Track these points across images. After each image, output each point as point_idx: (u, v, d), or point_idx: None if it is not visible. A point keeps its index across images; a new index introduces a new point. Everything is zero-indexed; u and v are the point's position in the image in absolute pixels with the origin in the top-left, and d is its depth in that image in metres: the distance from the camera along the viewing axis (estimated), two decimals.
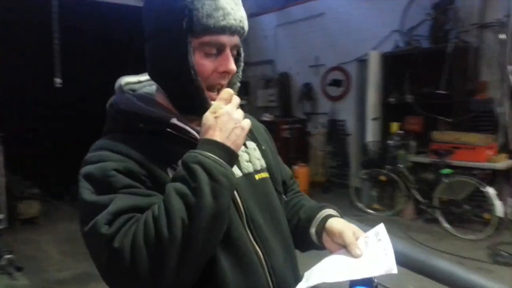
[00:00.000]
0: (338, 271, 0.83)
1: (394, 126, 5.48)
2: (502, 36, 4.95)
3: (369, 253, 0.86)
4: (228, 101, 0.84)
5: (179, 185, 0.77)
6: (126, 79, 1.00)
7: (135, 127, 0.89)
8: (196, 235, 0.74)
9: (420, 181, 5.20)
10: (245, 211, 0.92)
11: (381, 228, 0.91)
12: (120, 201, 0.78)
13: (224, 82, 0.91)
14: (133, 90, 0.99)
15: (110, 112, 0.94)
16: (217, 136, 0.80)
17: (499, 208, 4.26)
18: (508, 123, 4.95)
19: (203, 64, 0.86)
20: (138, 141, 0.88)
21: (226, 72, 0.89)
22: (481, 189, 4.41)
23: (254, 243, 0.92)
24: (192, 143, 0.87)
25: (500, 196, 4.50)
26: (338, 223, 0.96)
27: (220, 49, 0.87)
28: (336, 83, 6.97)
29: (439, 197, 4.83)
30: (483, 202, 4.67)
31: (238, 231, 0.89)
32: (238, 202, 0.91)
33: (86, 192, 0.81)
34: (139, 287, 0.75)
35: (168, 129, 0.89)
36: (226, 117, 0.81)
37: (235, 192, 0.90)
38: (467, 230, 4.62)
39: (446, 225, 4.73)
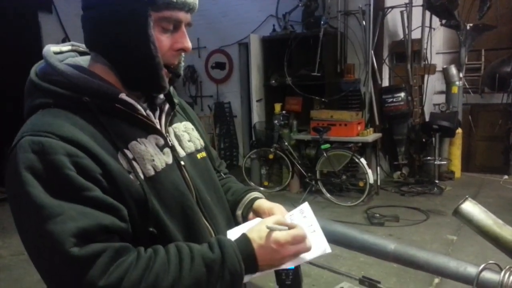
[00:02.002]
0: None
1: (277, 107, 5.78)
2: (364, 23, 5.54)
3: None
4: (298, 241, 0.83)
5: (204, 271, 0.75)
6: (53, 48, 0.87)
7: (77, 102, 0.78)
8: None
9: (303, 157, 5.62)
10: (194, 189, 0.91)
11: (305, 206, 0.95)
12: (82, 217, 0.69)
13: (177, 61, 0.87)
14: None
15: (39, 84, 0.80)
16: (262, 260, 0.81)
17: (370, 176, 4.85)
18: (372, 101, 5.62)
19: (161, 40, 0.81)
20: (84, 120, 0.77)
21: (182, 50, 0.85)
22: (355, 160, 4.95)
23: (205, 221, 0.92)
24: (139, 121, 0.83)
25: (370, 165, 5.12)
26: (266, 203, 1.01)
27: (176, 25, 0.83)
28: (219, 66, 7.04)
29: (320, 170, 5.29)
30: (357, 172, 5.31)
31: (193, 210, 0.88)
32: (188, 181, 0.90)
33: (35, 189, 0.70)
34: None
35: (117, 105, 0.81)
36: (281, 258, 0.82)
37: (185, 171, 0.90)
38: (346, 198, 5.16)
39: (327, 195, 5.21)
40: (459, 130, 5.78)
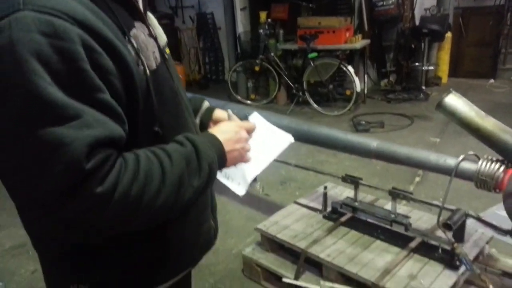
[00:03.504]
0: (255, 163, 0.93)
1: (263, 15, 5.50)
2: None
3: (260, 136, 0.95)
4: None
5: (184, 164, 0.72)
6: None
7: None
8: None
9: (290, 67, 5.50)
10: (176, 86, 0.86)
11: (255, 115, 1.03)
12: (97, 124, 0.61)
13: None
14: None
15: None
16: (225, 146, 0.82)
17: (357, 84, 4.80)
18: (361, 6, 5.36)
19: None
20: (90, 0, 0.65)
21: None
22: (343, 68, 4.86)
23: (187, 116, 0.89)
24: (131, 4, 0.73)
25: (357, 73, 5.05)
26: (223, 111, 1.02)
27: None
28: None
29: (307, 80, 5.22)
30: (344, 81, 5.25)
31: (184, 108, 0.86)
32: (173, 77, 0.84)
33: (43, 80, 0.57)
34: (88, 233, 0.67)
35: None
36: (241, 144, 0.86)
37: (169, 66, 0.84)
38: (332, 107, 5.17)
39: (314, 105, 5.20)
40: (449, 35, 5.64)
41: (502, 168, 1.38)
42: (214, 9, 6.65)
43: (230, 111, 0.94)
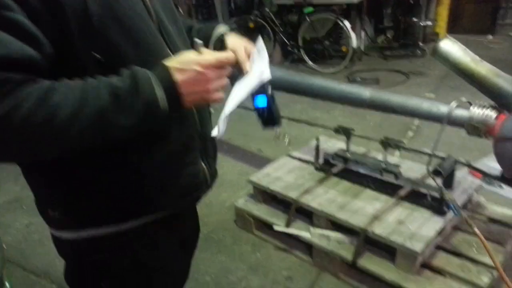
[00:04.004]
0: (238, 93, 0.86)
1: None
2: None
3: (255, 66, 0.91)
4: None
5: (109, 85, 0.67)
6: None
7: None
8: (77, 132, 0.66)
9: (286, 23, 5.36)
10: (156, 17, 0.82)
11: (259, 41, 0.96)
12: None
13: None
14: None
15: None
16: (184, 85, 0.73)
17: (354, 40, 4.71)
18: None
19: None
20: None
21: None
22: (339, 24, 4.74)
23: (168, 50, 0.84)
24: None
25: (354, 29, 4.93)
26: (231, 41, 0.94)
27: None
28: None
29: (303, 37, 5.10)
30: (341, 37, 5.14)
31: (155, 37, 0.80)
32: (148, 5, 0.80)
33: None
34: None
35: None
36: (203, 86, 0.75)
37: None
38: (328, 65, 5.09)
39: (310, 63, 5.12)
40: None
41: (494, 114, 1.37)
42: None
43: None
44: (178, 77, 0.72)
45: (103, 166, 0.78)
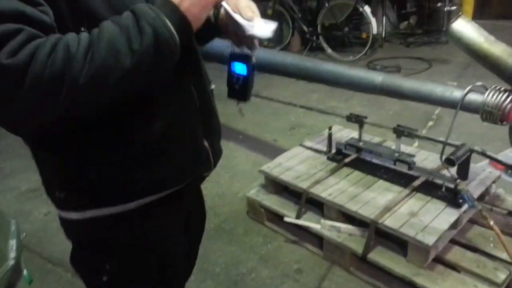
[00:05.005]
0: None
1: None
2: None
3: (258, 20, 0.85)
4: None
5: (118, 31, 0.65)
6: None
7: None
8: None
9: (305, 10, 5.25)
10: None
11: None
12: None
13: None
14: None
15: None
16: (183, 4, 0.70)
17: (374, 26, 4.57)
18: None
19: None
20: None
21: None
22: (359, 9, 4.61)
23: None
24: None
25: (374, 15, 4.78)
26: None
27: None
28: None
29: (322, 23, 4.99)
30: (361, 23, 5.00)
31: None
32: None
33: None
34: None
35: None
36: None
37: None
38: (348, 53, 4.97)
39: (329, 51, 5.01)
40: None
41: (509, 98, 1.28)
42: None
43: None
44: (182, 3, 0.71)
45: (105, 142, 0.78)
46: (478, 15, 5.69)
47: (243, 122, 3.41)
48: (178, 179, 0.90)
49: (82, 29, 0.69)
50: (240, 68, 0.86)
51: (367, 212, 1.73)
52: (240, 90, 0.87)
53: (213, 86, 0.97)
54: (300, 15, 5.19)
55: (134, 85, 0.70)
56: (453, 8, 5.18)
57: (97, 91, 0.65)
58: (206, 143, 0.93)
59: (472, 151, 1.51)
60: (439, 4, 5.17)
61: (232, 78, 0.87)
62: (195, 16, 0.72)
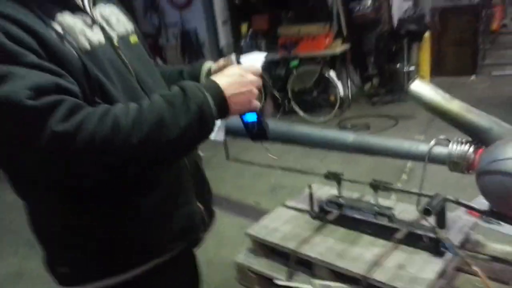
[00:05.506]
0: None
1: (244, 27, 5.60)
2: None
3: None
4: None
5: (166, 106, 0.74)
6: None
7: None
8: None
9: (274, 77, 5.57)
10: (133, 72, 0.90)
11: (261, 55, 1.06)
12: (33, 75, 0.67)
13: None
14: None
15: None
16: (228, 90, 0.82)
17: (340, 89, 4.87)
18: (339, 11, 5.47)
19: None
20: None
21: None
22: (325, 74, 4.93)
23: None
24: None
25: (340, 78, 5.12)
26: (226, 59, 1.02)
27: None
28: None
29: (292, 88, 5.28)
30: (328, 86, 5.32)
31: (136, 90, 0.88)
32: (126, 63, 0.89)
33: None
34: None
35: None
36: (248, 87, 0.86)
37: (120, 53, 0.88)
38: (319, 114, 5.23)
39: (301, 113, 5.26)
40: (427, 34, 5.75)
41: (472, 149, 1.41)
42: (197, 25, 6.73)
43: (233, 56, 0.92)
44: (222, 80, 0.82)
45: (104, 213, 0.83)
46: (435, 73, 6.18)
47: (225, 187, 3.46)
48: (175, 245, 0.94)
49: (96, 99, 0.78)
50: (250, 117, 0.97)
51: (356, 268, 1.76)
52: (259, 132, 0.99)
53: (202, 154, 1.05)
54: (270, 83, 5.48)
55: (174, 156, 0.78)
56: (412, 68, 5.61)
57: (146, 156, 0.73)
58: (200, 205, 0.99)
59: (446, 200, 1.60)
60: (398, 65, 5.59)
61: (247, 126, 0.99)
62: (234, 104, 0.84)
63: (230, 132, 1.59)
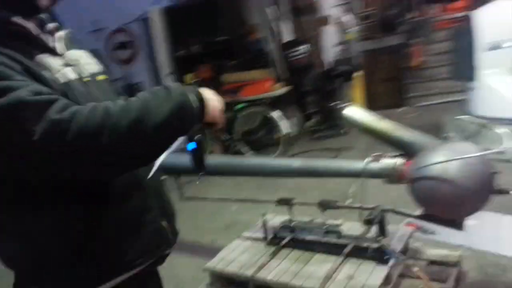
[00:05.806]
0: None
1: (188, 78, 5.80)
2: None
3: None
4: None
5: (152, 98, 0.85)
6: None
7: None
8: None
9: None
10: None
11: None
12: (32, 86, 0.79)
13: None
14: None
15: None
16: (204, 93, 0.94)
17: (282, 128, 5.15)
18: (276, 58, 5.88)
19: None
20: None
21: None
22: (268, 115, 5.20)
23: None
24: (36, 41, 0.93)
25: (283, 117, 5.41)
26: None
27: None
28: (122, 45, 6.81)
29: (239, 130, 5.48)
30: (272, 126, 5.58)
31: None
32: (96, 99, 0.95)
33: None
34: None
35: (11, 27, 0.89)
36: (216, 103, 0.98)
37: (90, 90, 0.99)
38: (265, 153, 5.43)
39: (248, 153, 5.43)
40: (358, 74, 6.29)
41: (401, 161, 1.62)
42: (142, 78, 6.86)
43: None
44: (203, 93, 0.93)
45: (71, 228, 0.88)
46: (369, 108, 6.69)
47: (181, 228, 3.45)
48: (140, 262, 1.00)
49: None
50: (191, 145, 1.02)
51: (311, 284, 1.87)
52: (196, 162, 1.03)
53: (164, 176, 1.15)
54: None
55: (160, 144, 0.86)
56: (346, 105, 6.05)
57: (135, 139, 0.81)
58: (164, 224, 1.07)
59: (384, 210, 1.79)
60: (333, 103, 6.02)
61: (193, 153, 1.02)
62: (211, 107, 0.95)
63: (167, 169, 1.67)
